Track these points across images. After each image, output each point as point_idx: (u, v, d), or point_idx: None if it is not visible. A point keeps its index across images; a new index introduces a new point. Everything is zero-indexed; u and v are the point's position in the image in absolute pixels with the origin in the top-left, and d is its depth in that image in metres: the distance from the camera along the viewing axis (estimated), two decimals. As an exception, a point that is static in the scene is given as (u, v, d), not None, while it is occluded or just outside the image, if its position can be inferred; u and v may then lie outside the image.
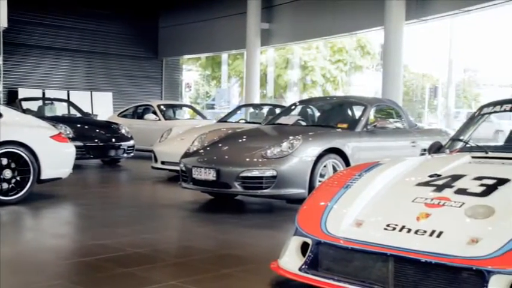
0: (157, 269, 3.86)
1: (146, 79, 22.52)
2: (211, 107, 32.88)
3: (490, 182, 3.18)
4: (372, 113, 7.49)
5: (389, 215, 3.10)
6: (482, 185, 3.17)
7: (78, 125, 11.23)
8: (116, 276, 3.68)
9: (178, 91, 24.16)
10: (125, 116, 13.92)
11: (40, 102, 13.28)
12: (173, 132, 9.81)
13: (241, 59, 25.55)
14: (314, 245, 3.20)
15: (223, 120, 10.95)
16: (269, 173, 5.98)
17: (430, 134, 7.75)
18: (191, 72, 32.18)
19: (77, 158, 7.30)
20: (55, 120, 10.28)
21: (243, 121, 11.07)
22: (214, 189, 6.35)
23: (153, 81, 22.87)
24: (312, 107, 8.25)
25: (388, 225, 3.01)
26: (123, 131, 11.56)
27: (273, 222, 5.87)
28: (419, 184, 3.35)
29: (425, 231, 2.88)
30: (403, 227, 2.96)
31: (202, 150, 6.65)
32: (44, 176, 6.56)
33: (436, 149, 4.36)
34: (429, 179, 3.39)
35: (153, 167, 9.36)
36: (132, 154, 11.54)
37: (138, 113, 13.94)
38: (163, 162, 9.11)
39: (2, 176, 6.23)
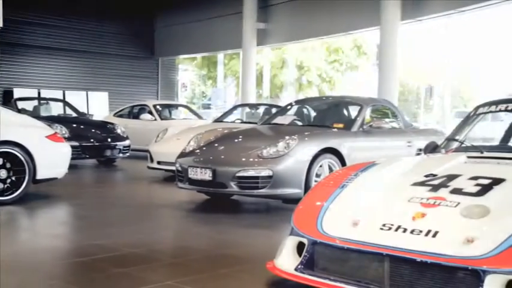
0: (153, 269, 3.86)
1: (142, 79, 22.50)
2: (207, 106, 32.87)
3: (486, 181, 3.19)
4: (367, 113, 7.50)
5: (385, 215, 3.11)
6: (477, 184, 3.18)
7: (74, 125, 11.21)
8: (112, 276, 3.68)
9: (174, 91, 24.14)
10: (120, 116, 13.91)
11: (35, 102, 13.27)
12: (169, 132, 9.81)
13: (237, 59, 25.54)
14: (310, 245, 3.20)
15: (219, 120, 10.95)
16: (265, 172, 5.98)
17: (425, 134, 7.77)
18: (187, 72, 32.15)
19: (72, 158, 7.29)
20: (50, 120, 10.26)
21: (239, 121, 11.07)
22: (210, 189, 6.35)
23: (149, 81, 22.85)
24: (307, 106, 8.26)
25: (384, 225, 3.02)
26: (118, 131, 11.55)
27: (269, 222, 5.87)
28: (415, 184, 3.35)
29: (421, 231, 2.89)
30: (398, 227, 2.97)
31: (198, 150, 6.64)
32: (39, 176, 6.54)
33: (432, 148, 4.36)
34: (425, 178, 3.39)
35: (149, 167, 9.35)
36: (127, 154, 11.53)
37: (134, 113, 13.93)
38: (159, 162, 9.11)
39: (-3, 176, 6.23)
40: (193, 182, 6.33)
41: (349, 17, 15.45)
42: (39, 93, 18.35)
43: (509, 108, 4.23)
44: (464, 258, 2.67)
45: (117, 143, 11.22)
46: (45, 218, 6.13)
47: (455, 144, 4.26)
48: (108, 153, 11.14)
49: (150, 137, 10.30)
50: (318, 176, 6.24)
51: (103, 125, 11.75)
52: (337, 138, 6.71)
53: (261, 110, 11.79)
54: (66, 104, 13.61)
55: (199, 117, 14.12)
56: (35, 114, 11.47)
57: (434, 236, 2.84)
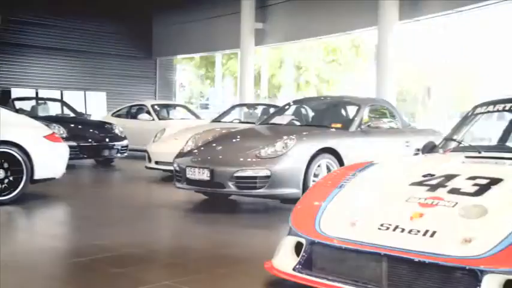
0: (151, 269, 3.86)
1: (140, 79, 22.49)
2: (205, 106, 32.83)
3: (483, 181, 3.20)
4: (365, 113, 7.50)
5: (383, 215, 3.11)
6: (475, 184, 3.18)
7: (72, 125, 11.20)
8: (110, 276, 3.67)
9: (172, 91, 24.14)
10: (118, 116, 13.90)
11: (33, 102, 13.24)
12: (167, 132, 9.80)
13: (235, 59, 25.53)
14: (308, 245, 3.20)
15: (217, 120, 10.94)
16: (263, 172, 5.98)
17: (423, 134, 7.77)
18: (185, 72, 32.12)
19: (70, 158, 7.28)
20: (48, 120, 10.25)
21: (237, 121, 11.06)
22: (208, 189, 6.34)
23: (147, 81, 22.84)
24: (305, 106, 8.26)
25: (381, 225, 3.02)
26: (116, 131, 11.55)
27: (267, 222, 5.87)
28: (413, 184, 3.35)
29: (418, 231, 2.89)
30: (396, 227, 2.97)
31: (196, 150, 6.64)
32: (37, 176, 6.53)
33: (430, 148, 4.37)
34: (423, 178, 3.39)
35: (146, 167, 9.34)
36: (125, 154, 11.52)
37: (132, 113, 13.92)
38: (157, 162, 9.10)
39: (-5, 176, 6.22)
40: (191, 182, 6.33)
41: (347, 17, 15.45)
42: (37, 93, 18.31)
43: (506, 108, 4.24)
44: (462, 258, 2.67)
45: (115, 143, 11.22)
46: (43, 218, 6.13)
47: (453, 144, 4.27)
48: (106, 153, 11.13)
49: (148, 137, 10.29)
50: (316, 176, 6.24)
51: (101, 125, 11.75)
52: (335, 138, 6.71)
53: (259, 110, 11.79)
54: (64, 104, 13.60)
55: (197, 117, 14.12)
56: (32, 114, 11.45)
57: (432, 235, 2.84)
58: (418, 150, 4.56)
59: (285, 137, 6.31)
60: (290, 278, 3.21)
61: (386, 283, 2.87)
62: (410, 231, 2.91)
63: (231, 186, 6.04)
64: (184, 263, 4.07)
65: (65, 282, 3.55)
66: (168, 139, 9.33)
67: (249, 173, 5.99)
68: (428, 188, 3.24)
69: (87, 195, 7.73)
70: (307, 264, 3.18)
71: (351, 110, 7.60)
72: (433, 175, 3.41)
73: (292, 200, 5.26)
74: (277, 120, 7.64)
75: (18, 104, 12.45)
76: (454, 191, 3.14)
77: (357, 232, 3.06)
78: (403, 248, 2.83)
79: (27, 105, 12.78)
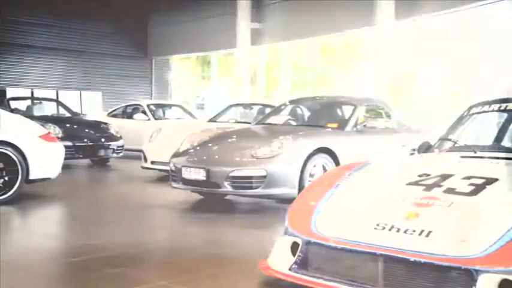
0: (147, 269, 3.85)
1: (136, 79, 22.44)
2: (201, 106, 32.79)
3: (479, 181, 3.20)
4: (361, 113, 7.50)
5: (378, 215, 3.11)
6: (471, 184, 3.18)
7: (67, 125, 11.17)
8: (106, 276, 3.66)
9: (167, 91, 24.10)
10: (114, 116, 13.87)
11: (29, 102, 13.21)
12: (163, 132, 9.78)
13: (231, 59, 25.53)
14: (304, 245, 3.20)
15: (213, 119, 10.93)
16: (259, 172, 5.98)
17: (419, 134, 7.77)
18: (181, 71, 32.10)
19: (66, 158, 7.26)
20: (44, 119, 10.22)
21: (233, 121, 11.05)
22: (204, 189, 6.34)
23: (143, 80, 22.80)
24: (301, 106, 8.26)
25: (377, 225, 3.02)
26: (112, 131, 11.52)
27: (262, 222, 5.86)
28: (408, 183, 3.36)
29: (414, 231, 2.89)
30: (392, 227, 2.97)
31: (192, 150, 6.63)
32: (32, 176, 6.51)
33: (425, 148, 4.37)
34: (418, 178, 3.40)
35: (142, 167, 9.33)
36: (121, 154, 11.50)
37: (128, 113, 13.89)
38: (152, 162, 9.08)
39: (-10, 176, 6.20)
40: (187, 182, 6.32)
41: (344, 17, 15.46)
42: (32, 93, 18.26)
43: (502, 108, 4.25)
44: (457, 258, 2.67)
45: (111, 142, 11.20)
46: (38, 218, 6.11)
47: (448, 144, 4.27)
48: (101, 153, 11.12)
49: (144, 136, 10.27)
50: (311, 175, 6.24)
51: (96, 125, 11.72)
52: (331, 137, 6.71)
53: (255, 109, 11.77)
54: (59, 103, 13.57)
55: (193, 116, 14.11)
56: (28, 114, 11.40)
57: (427, 235, 2.84)
58: (414, 150, 4.57)
59: (281, 137, 6.31)
60: (286, 278, 3.20)
61: (382, 283, 2.88)
62: (406, 231, 2.91)
63: (227, 186, 6.04)
64: (180, 263, 4.06)
65: (61, 282, 3.54)
66: (164, 139, 9.31)
67: (244, 172, 5.99)
68: (424, 187, 3.25)
69: (82, 195, 7.71)
70: (303, 264, 3.18)
71: (347, 110, 7.60)
72: (429, 175, 3.41)
73: (288, 200, 5.25)
74: (273, 120, 7.64)
75: (13, 104, 12.41)
76: (450, 191, 3.14)
77: (352, 232, 3.06)
78: (399, 248, 2.83)
79: (22, 105, 12.75)
